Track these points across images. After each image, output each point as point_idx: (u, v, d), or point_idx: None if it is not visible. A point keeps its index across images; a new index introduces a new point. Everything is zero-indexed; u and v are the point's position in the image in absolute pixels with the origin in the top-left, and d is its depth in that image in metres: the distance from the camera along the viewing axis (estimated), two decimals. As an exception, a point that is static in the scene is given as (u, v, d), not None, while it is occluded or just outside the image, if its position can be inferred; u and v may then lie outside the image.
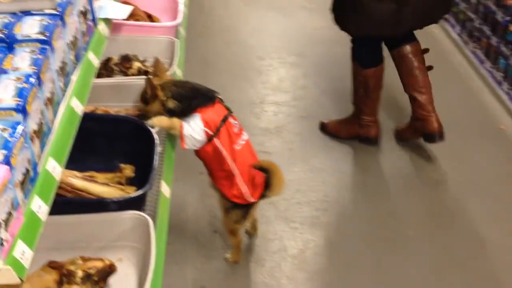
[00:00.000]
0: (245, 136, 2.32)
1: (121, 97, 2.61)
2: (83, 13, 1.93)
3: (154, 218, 1.95)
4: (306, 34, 4.76)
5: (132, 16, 3.28)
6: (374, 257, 2.66)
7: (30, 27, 1.55)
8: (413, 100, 3.13)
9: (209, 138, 2.19)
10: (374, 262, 2.63)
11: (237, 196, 2.28)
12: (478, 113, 3.73)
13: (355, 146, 3.38)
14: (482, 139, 3.48)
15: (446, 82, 3.85)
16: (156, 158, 2.05)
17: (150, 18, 3.34)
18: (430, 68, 3.16)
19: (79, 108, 1.68)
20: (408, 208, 2.96)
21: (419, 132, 3.20)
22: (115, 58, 2.88)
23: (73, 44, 1.79)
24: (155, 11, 3.33)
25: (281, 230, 2.78)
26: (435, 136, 3.11)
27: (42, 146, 1.42)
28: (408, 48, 3.10)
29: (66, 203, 1.92)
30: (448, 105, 3.49)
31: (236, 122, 2.29)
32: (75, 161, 2.18)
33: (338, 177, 3.18)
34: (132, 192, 2.06)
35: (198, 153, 2.27)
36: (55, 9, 1.64)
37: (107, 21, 2.22)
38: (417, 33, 3.16)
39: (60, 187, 2.05)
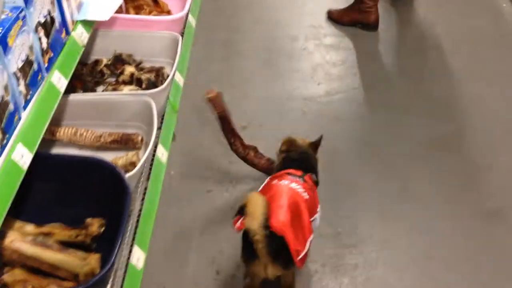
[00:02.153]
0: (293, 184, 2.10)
1: (107, 114, 2.17)
2: (44, 25, 1.47)
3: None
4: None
5: (134, 1, 2.78)
6: None
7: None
8: None
9: None
10: None
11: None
12: None
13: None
14: None
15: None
16: (124, 222, 1.58)
17: (157, 3, 2.82)
18: None
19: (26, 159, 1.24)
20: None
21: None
22: (105, 60, 2.41)
23: (24, 71, 1.34)
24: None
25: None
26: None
27: None
28: None
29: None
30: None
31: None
32: (38, 209, 1.82)
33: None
34: (95, 262, 1.62)
35: None
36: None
37: (88, 23, 1.76)
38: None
39: (4, 253, 1.66)
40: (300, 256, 1.95)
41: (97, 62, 2.41)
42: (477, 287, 2.28)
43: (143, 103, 2.11)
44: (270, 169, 2.54)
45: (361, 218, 2.57)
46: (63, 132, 2.17)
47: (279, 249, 1.90)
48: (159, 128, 2.12)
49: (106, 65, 2.42)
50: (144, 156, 1.87)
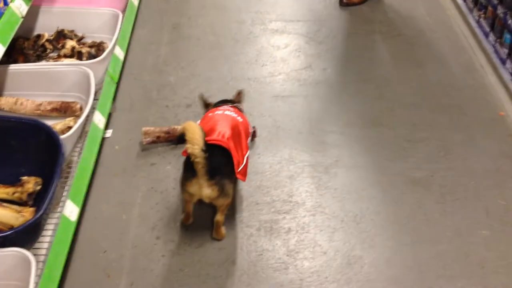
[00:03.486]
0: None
1: (47, 85, 2.24)
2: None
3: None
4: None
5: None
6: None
7: None
8: None
9: None
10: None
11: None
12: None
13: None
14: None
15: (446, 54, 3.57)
16: (57, 177, 1.68)
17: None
18: None
19: None
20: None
21: None
22: (47, 35, 2.49)
23: None
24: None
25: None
26: None
27: None
28: None
29: None
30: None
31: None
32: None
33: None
34: (29, 215, 1.71)
35: None
36: None
37: (27, -6, 1.84)
38: None
39: None
40: (240, 168, 2.27)
41: (39, 36, 2.49)
42: (401, 248, 2.45)
43: (82, 74, 2.20)
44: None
45: (296, 188, 2.71)
46: (4, 102, 2.25)
47: (216, 168, 2.16)
48: (96, 99, 2.21)
49: (48, 40, 2.50)
50: (80, 119, 1.97)
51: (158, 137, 2.91)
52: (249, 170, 2.50)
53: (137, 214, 2.59)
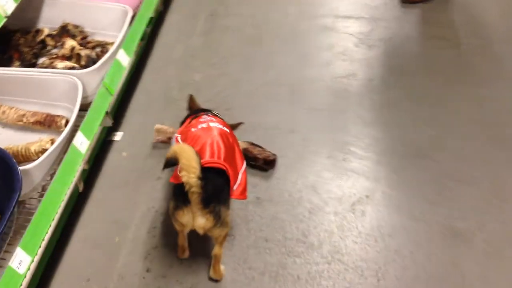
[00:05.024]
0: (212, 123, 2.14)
1: (35, 92, 1.98)
2: None
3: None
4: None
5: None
6: None
7: None
8: None
9: None
10: None
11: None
12: None
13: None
14: None
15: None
16: (4, 220, 1.41)
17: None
18: None
19: None
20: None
21: None
22: (46, 30, 2.21)
23: None
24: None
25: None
26: None
27: None
28: None
29: None
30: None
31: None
32: None
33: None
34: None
35: None
36: None
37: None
38: None
39: None
40: (235, 187, 2.02)
41: (38, 32, 2.22)
42: None
43: (71, 84, 1.92)
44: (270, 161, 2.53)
45: (314, 226, 2.36)
46: (-14, 108, 2.01)
47: (212, 194, 1.88)
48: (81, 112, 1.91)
49: (50, 36, 2.23)
50: (50, 148, 1.69)
51: (169, 138, 2.63)
52: (264, 196, 2.22)
53: (131, 238, 2.32)
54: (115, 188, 2.52)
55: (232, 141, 2.13)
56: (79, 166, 1.87)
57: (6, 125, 2.01)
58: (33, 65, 2.20)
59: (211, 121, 2.19)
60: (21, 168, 1.58)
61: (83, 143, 1.87)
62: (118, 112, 2.83)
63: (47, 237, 1.63)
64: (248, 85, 3.06)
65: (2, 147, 1.88)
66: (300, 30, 3.48)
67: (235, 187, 2.05)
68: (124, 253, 2.26)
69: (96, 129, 1.97)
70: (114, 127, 2.78)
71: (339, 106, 2.92)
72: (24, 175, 1.60)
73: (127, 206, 2.44)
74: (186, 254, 2.22)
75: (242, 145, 2.55)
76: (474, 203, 2.42)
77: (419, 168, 2.58)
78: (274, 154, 2.56)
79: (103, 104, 2.03)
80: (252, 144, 2.59)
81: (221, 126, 2.16)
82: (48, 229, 1.66)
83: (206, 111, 2.39)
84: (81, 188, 2.38)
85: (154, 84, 3.07)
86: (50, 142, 1.82)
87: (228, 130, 2.18)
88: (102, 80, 2.04)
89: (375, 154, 2.66)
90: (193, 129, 2.15)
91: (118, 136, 2.76)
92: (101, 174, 2.57)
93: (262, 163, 2.55)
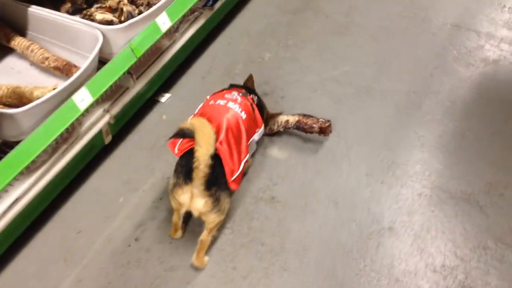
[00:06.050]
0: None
1: (63, 37, 1.98)
2: None
3: None
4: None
5: None
6: None
7: None
8: None
9: None
10: None
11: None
12: None
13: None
14: None
15: None
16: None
17: None
18: None
19: None
20: None
21: None
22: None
23: None
24: None
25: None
26: None
27: None
28: None
29: None
30: None
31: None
32: None
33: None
34: None
35: None
36: None
37: None
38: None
39: None
40: (234, 177, 1.92)
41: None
42: None
43: (93, 37, 1.89)
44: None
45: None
46: (18, 42, 2.06)
47: (215, 177, 1.83)
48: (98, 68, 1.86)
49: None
50: (48, 95, 1.67)
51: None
52: (280, 197, 2.20)
53: (134, 202, 2.29)
54: (140, 148, 2.49)
55: (241, 129, 2.03)
56: (71, 121, 1.83)
57: (33, 63, 2.05)
58: (80, 10, 2.22)
59: (233, 100, 2.10)
60: (4, 111, 1.58)
61: (84, 100, 1.83)
62: (175, 74, 2.79)
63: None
64: (314, 75, 2.85)
65: (20, 83, 1.92)
66: (396, 30, 3.15)
67: (234, 177, 1.95)
68: (122, 215, 2.25)
69: (104, 89, 1.92)
70: (164, 88, 2.74)
71: (400, 121, 2.61)
72: (9, 119, 1.61)
73: (144, 170, 2.41)
74: (178, 234, 2.15)
75: (293, 118, 2.44)
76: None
77: (463, 216, 2.23)
78: (328, 121, 2.41)
79: (122, 65, 1.97)
80: (305, 115, 2.44)
81: (238, 110, 2.06)
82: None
83: (246, 89, 2.27)
84: (107, 140, 2.39)
85: (221, 55, 2.97)
86: (52, 90, 1.82)
87: (244, 116, 2.07)
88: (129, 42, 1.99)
89: (421, 185, 2.35)
90: (211, 102, 2.10)
91: (164, 97, 2.72)
92: (133, 132, 2.57)
93: (319, 131, 2.41)
